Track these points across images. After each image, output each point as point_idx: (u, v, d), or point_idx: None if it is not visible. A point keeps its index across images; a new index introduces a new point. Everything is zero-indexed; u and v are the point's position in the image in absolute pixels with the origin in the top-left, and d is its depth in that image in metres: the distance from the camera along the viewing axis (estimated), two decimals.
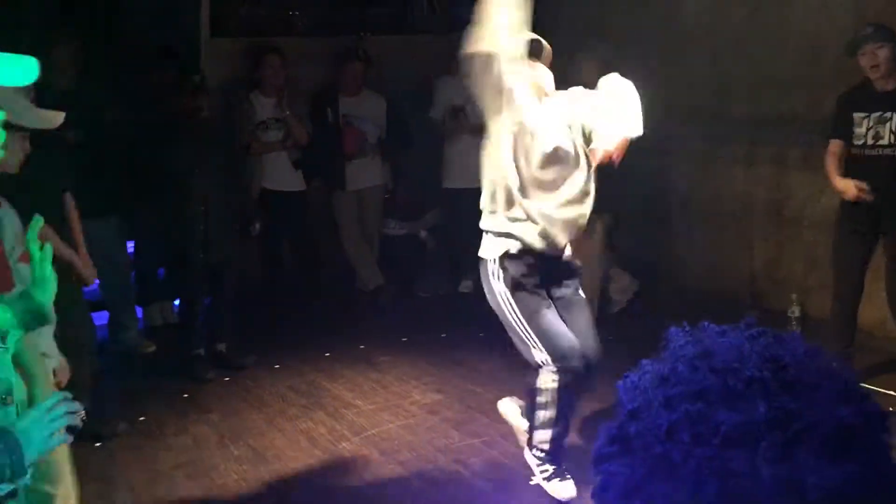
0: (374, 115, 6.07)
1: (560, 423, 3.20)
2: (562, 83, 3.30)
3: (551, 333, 3.11)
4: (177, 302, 5.56)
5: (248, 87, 5.75)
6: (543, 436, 3.22)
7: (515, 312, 3.12)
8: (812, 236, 5.12)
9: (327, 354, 5.05)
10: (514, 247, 3.12)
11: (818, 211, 4.88)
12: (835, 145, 4.28)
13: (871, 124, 4.10)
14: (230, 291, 4.91)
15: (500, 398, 4.26)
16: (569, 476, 3.24)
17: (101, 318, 4.97)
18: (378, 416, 4.20)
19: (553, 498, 3.26)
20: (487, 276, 3.18)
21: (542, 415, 3.19)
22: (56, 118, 1.95)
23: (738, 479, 0.62)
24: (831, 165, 4.29)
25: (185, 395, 4.51)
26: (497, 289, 3.15)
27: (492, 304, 3.21)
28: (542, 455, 3.25)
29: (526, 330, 3.12)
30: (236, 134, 5.59)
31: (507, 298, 3.13)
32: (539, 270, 3.17)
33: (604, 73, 3.25)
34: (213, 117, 4.92)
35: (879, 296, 4.38)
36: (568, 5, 6.11)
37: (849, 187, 4.10)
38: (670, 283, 5.91)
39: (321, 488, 3.49)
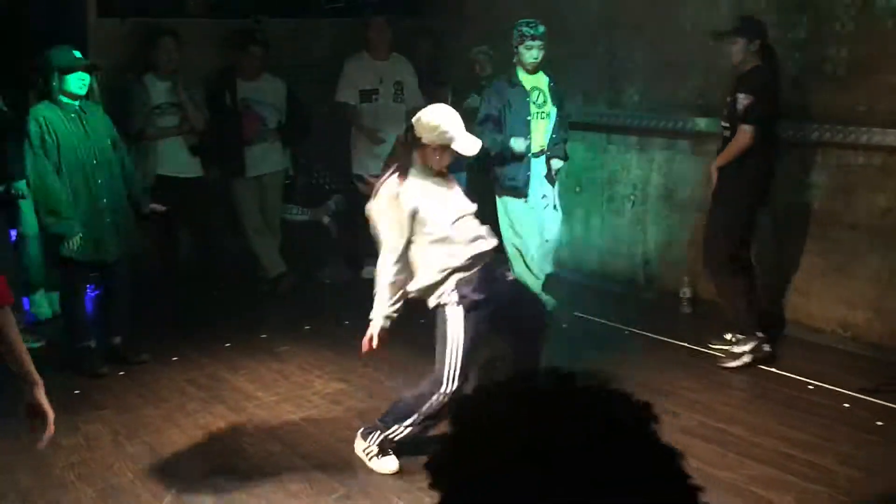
0: (273, 100, 5.95)
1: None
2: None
3: None
4: None
5: (141, 70, 5.55)
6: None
7: None
8: (700, 220, 5.31)
9: (227, 345, 4.96)
10: None
11: (706, 196, 5.06)
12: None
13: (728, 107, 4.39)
14: (125, 282, 4.74)
15: (404, 386, 4.29)
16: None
17: None
18: (280, 407, 4.16)
19: None
20: None
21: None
22: None
23: None
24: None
25: (77, 392, 4.34)
26: None
27: None
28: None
29: None
30: (130, 118, 5.39)
31: None
32: None
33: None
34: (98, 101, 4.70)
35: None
36: None
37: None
38: (569, 266, 6.04)
39: (221, 485, 3.42)
